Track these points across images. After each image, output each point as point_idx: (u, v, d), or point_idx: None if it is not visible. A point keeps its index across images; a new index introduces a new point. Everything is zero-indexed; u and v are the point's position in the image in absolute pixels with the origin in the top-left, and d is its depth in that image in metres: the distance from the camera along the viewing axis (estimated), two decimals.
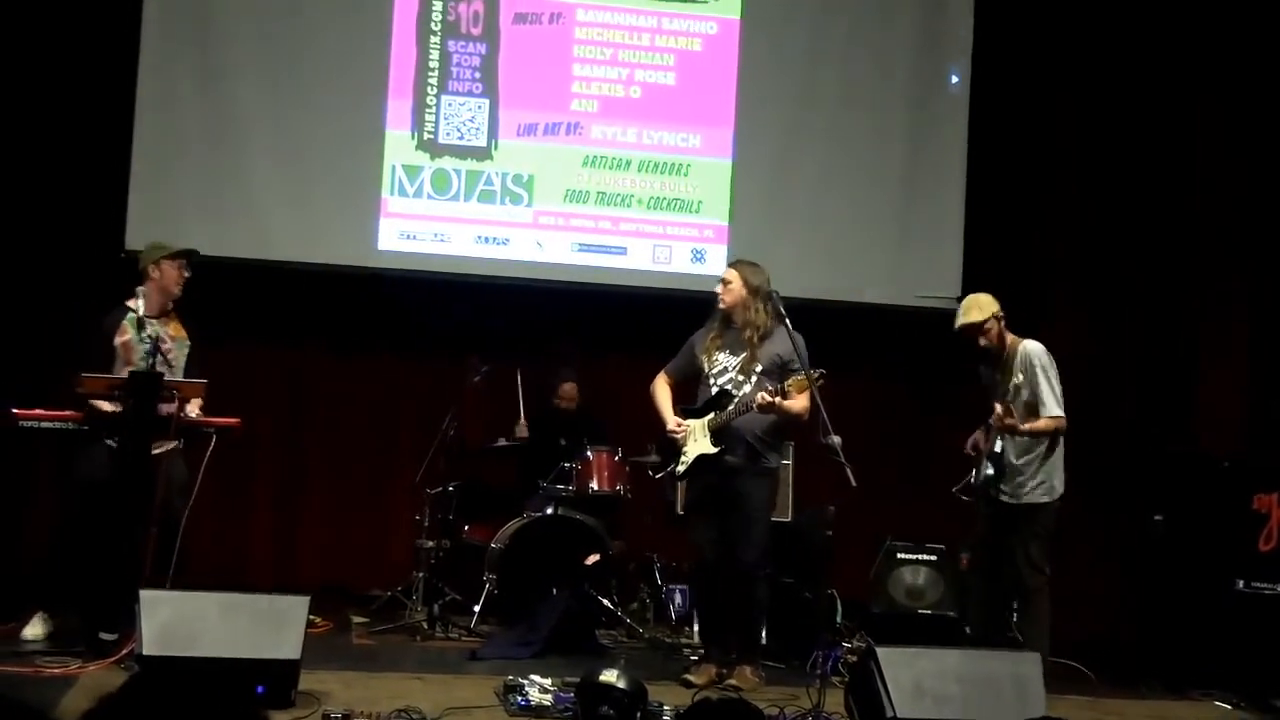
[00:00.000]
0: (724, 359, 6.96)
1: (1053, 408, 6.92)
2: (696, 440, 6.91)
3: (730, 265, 7.16)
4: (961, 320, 7.06)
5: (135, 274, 7.23)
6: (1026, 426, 6.88)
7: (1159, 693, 7.64)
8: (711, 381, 6.93)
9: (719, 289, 7.01)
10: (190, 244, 7.39)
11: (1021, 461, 6.98)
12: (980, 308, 7.04)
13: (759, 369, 6.83)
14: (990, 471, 6.93)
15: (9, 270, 8.59)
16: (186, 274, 7.19)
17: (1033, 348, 7.01)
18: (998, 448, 6.94)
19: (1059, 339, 7.39)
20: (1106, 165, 9.72)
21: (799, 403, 6.75)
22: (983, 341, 7.06)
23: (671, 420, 7.01)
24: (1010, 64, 9.65)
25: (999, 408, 6.84)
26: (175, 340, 7.03)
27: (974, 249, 9.48)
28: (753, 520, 6.91)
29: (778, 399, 6.66)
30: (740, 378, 6.86)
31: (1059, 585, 7.22)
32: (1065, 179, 9.75)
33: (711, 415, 6.86)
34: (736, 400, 6.80)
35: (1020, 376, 6.94)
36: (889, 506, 8.76)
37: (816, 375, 6.60)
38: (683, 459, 6.96)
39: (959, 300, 9.09)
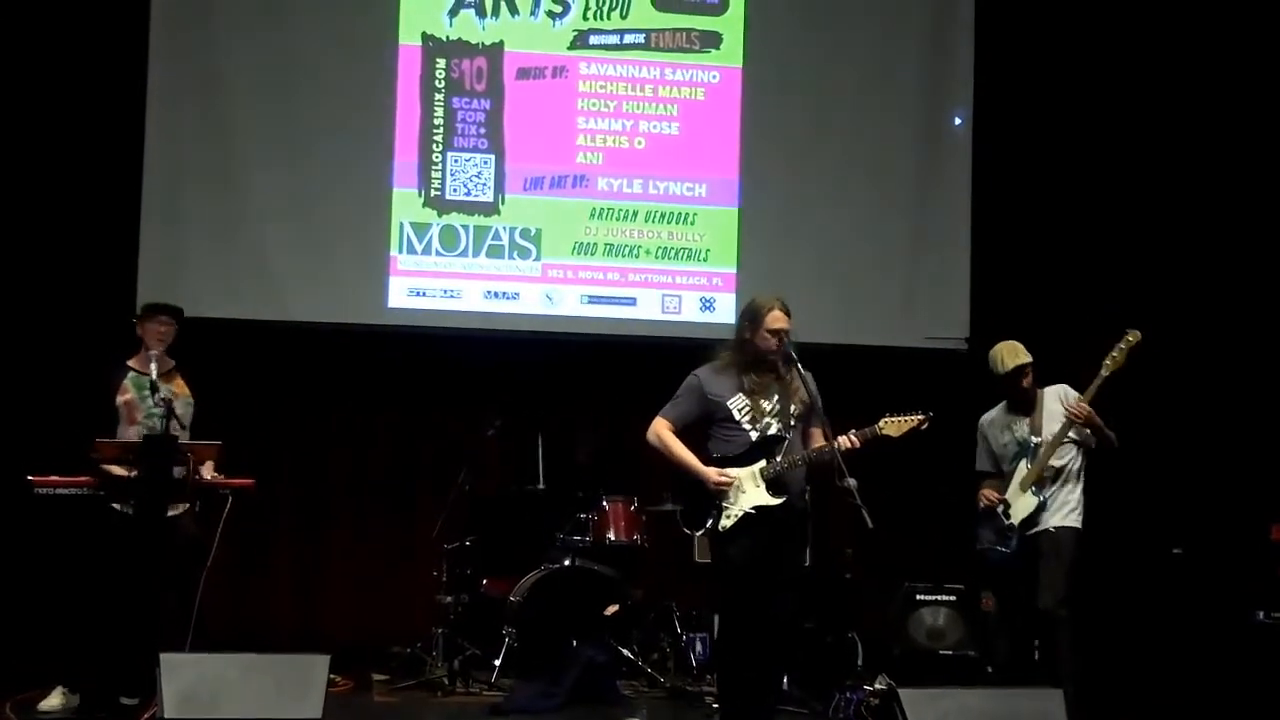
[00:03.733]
0: (757, 403, 6.47)
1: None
2: (746, 492, 6.36)
3: (781, 309, 6.48)
4: (1017, 360, 7.04)
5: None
6: (1089, 397, 6.90)
7: None
8: (747, 428, 6.44)
9: (778, 344, 6.42)
10: (202, 306, 7.39)
11: (1056, 486, 7.04)
12: (1024, 351, 7.07)
13: (795, 412, 6.47)
14: (1036, 505, 6.99)
15: (20, 337, 8.63)
16: (165, 327, 7.14)
17: (1064, 386, 7.10)
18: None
19: (1070, 376, 7.39)
20: (1113, 199, 9.73)
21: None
22: (1024, 384, 7.08)
23: (713, 470, 6.41)
24: (1012, 103, 9.69)
25: (1080, 402, 6.87)
26: (179, 398, 7.02)
27: (982, 289, 9.52)
28: (799, 569, 6.65)
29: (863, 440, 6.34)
30: (786, 421, 6.44)
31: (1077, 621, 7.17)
32: (1071, 218, 9.74)
33: (763, 464, 6.39)
34: (810, 450, 6.41)
35: (1060, 407, 7.00)
36: (907, 548, 8.74)
37: (922, 418, 6.41)
38: (729, 512, 6.37)
39: (968, 341, 9.17)
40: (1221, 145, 9.62)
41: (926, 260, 9.56)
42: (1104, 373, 6.86)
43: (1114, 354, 6.86)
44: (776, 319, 6.44)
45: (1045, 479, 7.01)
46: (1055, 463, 7.00)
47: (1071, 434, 6.96)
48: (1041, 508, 7.00)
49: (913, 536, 8.67)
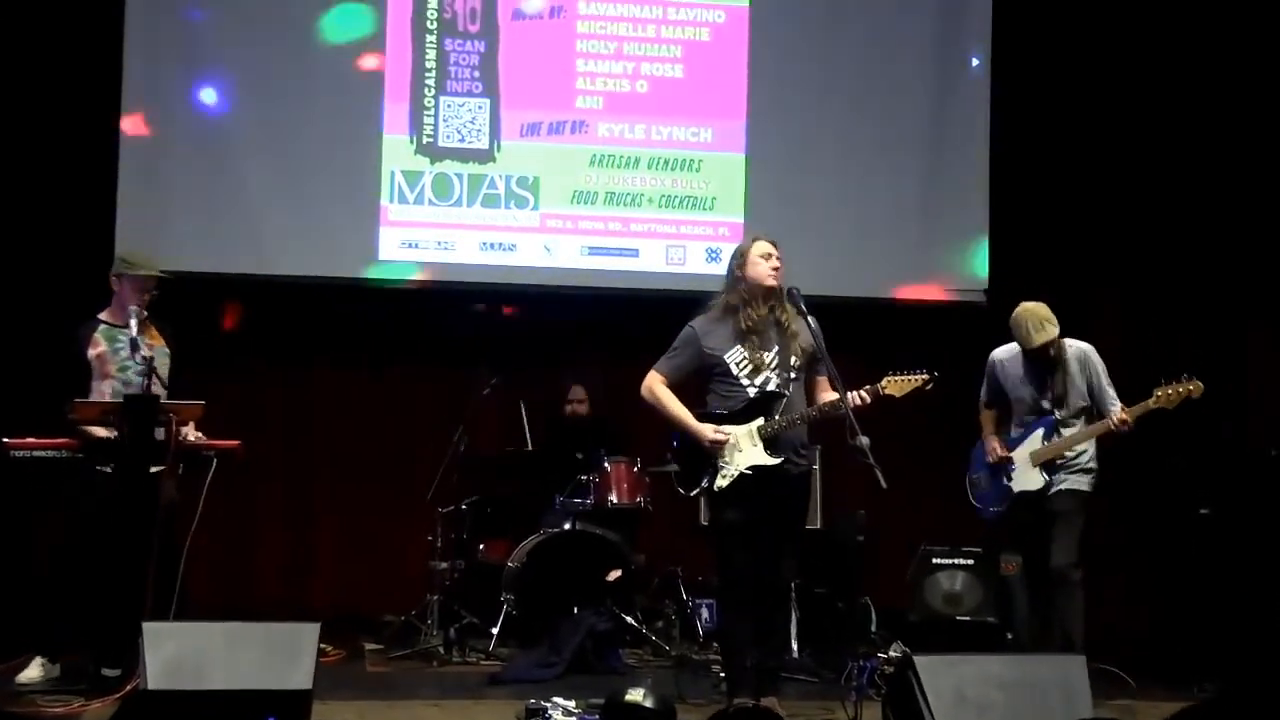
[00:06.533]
0: (757, 355, 6.30)
1: (1117, 399, 7.07)
2: (743, 450, 6.24)
3: (770, 241, 6.42)
4: (1047, 335, 7.02)
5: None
6: (1132, 419, 6.97)
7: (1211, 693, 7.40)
8: (745, 383, 6.30)
9: (774, 268, 6.30)
10: (183, 260, 7.26)
11: (1072, 453, 7.13)
12: (1052, 319, 7.04)
13: (795, 363, 6.33)
14: (1041, 485, 7.10)
15: None
16: (148, 294, 6.94)
17: (1087, 346, 7.19)
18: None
19: (1093, 330, 7.29)
20: (1137, 146, 9.54)
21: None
22: (1051, 353, 7.08)
23: (708, 427, 6.29)
24: (1031, 45, 9.48)
25: (1123, 414, 6.93)
26: (154, 349, 6.84)
27: (1002, 239, 9.34)
28: (799, 533, 6.60)
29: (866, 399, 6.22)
30: (786, 375, 6.30)
31: (1103, 583, 7.09)
32: (1094, 163, 9.55)
33: (761, 421, 6.26)
34: (811, 408, 6.32)
35: (1080, 377, 7.11)
36: (922, 509, 8.68)
37: (926, 378, 6.28)
38: (724, 471, 6.26)
39: (987, 293, 9.00)
40: (1246, 81, 9.39)
41: (943, 209, 9.35)
42: (1152, 404, 6.95)
43: (1169, 391, 6.91)
44: (762, 246, 6.42)
45: (1055, 461, 7.13)
46: (1069, 453, 7.14)
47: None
48: (1046, 487, 7.12)
49: (929, 497, 8.58)
